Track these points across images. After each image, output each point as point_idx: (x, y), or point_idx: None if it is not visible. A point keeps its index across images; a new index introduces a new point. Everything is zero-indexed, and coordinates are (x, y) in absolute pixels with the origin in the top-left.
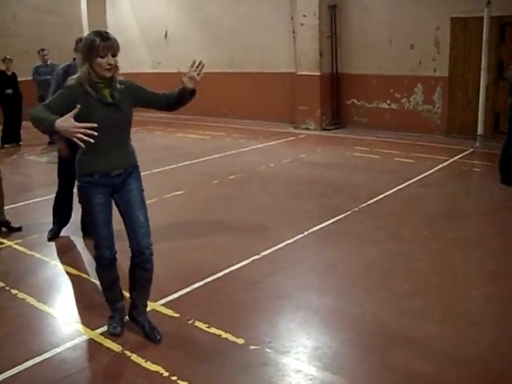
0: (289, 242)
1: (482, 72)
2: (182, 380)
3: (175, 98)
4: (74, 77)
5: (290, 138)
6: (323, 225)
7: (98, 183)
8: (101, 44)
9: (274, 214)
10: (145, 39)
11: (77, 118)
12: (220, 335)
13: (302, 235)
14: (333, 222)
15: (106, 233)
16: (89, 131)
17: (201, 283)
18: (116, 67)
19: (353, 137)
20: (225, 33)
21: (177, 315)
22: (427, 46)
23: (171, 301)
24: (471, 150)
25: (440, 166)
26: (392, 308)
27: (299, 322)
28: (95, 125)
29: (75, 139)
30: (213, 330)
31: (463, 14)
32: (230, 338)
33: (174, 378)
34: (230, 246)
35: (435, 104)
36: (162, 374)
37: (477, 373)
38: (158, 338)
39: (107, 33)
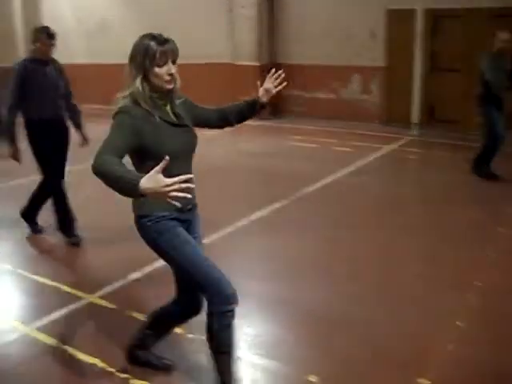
0: (228, 230)
1: (416, 62)
2: (119, 371)
3: (239, 113)
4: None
5: (229, 129)
6: (262, 213)
7: (174, 218)
8: (158, 49)
9: (213, 202)
10: (81, 29)
11: (145, 150)
12: None
13: (241, 224)
14: (272, 211)
15: (212, 262)
16: (183, 185)
17: (139, 274)
18: (176, 77)
19: (292, 126)
20: (163, 23)
21: (114, 307)
22: (364, 37)
23: (109, 292)
24: (408, 138)
25: (378, 154)
26: (331, 294)
27: (239, 311)
28: (190, 176)
29: (169, 199)
30: None
31: (398, 5)
32: None
33: (112, 369)
34: None
35: (372, 93)
36: (98, 365)
37: (413, 352)
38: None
39: (162, 35)
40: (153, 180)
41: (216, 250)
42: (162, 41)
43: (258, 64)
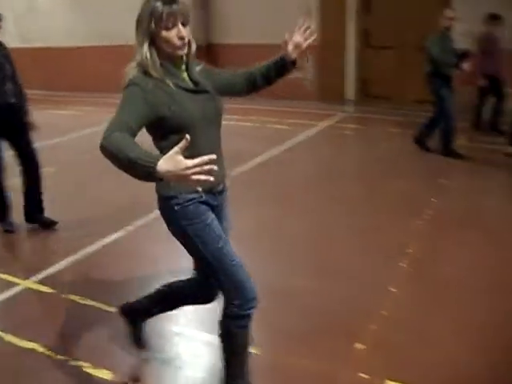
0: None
1: (349, 40)
2: (58, 354)
3: (268, 75)
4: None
5: None
6: None
7: (204, 202)
8: (164, 10)
9: (147, 185)
10: (9, 11)
11: (163, 123)
12: (94, 306)
13: None
14: None
15: (239, 260)
16: (206, 166)
17: (75, 257)
18: (190, 41)
19: (228, 105)
20: (93, 5)
21: (52, 291)
22: (298, 15)
23: (46, 277)
24: (343, 114)
25: (313, 130)
26: (269, 269)
27: None
28: (214, 156)
29: (191, 183)
30: (88, 302)
31: None
32: (104, 307)
33: (50, 352)
34: (103, 219)
35: (307, 71)
36: (37, 350)
37: (350, 320)
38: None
39: None
40: (172, 162)
41: (149, 231)
42: (168, 1)
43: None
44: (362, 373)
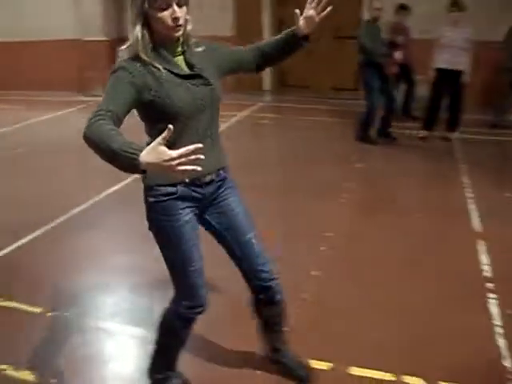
0: (83, 206)
1: (265, 31)
2: None
3: (278, 50)
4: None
5: (79, 106)
6: (117, 187)
7: (182, 196)
8: None
9: (65, 181)
10: None
11: (151, 109)
12: (16, 307)
13: (97, 198)
14: (126, 183)
15: (200, 267)
16: (192, 156)
17: None
18: (186, 22)
19: None
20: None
21: None
22: (213, 7)
23: None
24: (261, 104)
25: (233, 120)
26: None
27: (99, 283)
28: (199, 145)
29: (177, 174)
30: (7, 304)
31: None
32: (28, 308)
33: None
34: (17, 219)
35: None
36: None
37: None
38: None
39: None
40: (154, 153)
41: (72, 228)
42: None
43: (105, 39)
44: None
